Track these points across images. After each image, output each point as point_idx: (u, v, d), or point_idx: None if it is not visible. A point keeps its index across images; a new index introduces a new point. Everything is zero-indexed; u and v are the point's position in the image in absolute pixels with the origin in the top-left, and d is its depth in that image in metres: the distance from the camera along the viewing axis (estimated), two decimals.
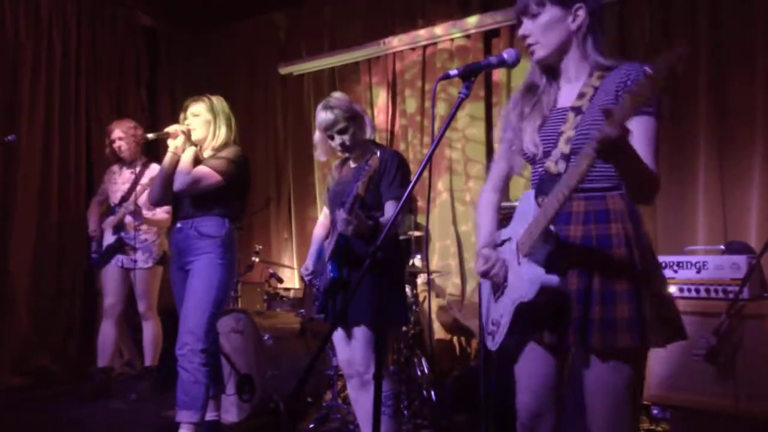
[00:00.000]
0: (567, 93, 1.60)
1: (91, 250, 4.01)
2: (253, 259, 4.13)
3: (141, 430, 3.30)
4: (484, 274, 1.61)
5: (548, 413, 1.62)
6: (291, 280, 5.05)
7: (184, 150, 2.80)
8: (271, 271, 4.22)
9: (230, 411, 3.33)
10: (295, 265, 5.18)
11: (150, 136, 2.85)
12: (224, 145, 2.85)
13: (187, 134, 2.82)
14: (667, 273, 2.98)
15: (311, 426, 3.24)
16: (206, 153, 2.86)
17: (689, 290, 2.89)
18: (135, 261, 3.84)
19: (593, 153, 1.23)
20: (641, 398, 1.55)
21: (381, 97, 4.89)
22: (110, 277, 3.95)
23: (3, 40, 4.44)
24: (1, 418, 3.54)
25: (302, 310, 3.64)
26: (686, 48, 1.09)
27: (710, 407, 2.72)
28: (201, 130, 2.85)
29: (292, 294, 4.23)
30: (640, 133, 1.41)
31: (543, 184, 1.54)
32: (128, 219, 3.85)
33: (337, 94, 2.54)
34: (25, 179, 4.52)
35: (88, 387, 3.88)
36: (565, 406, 1.64)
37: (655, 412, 2.94)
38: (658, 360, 2.89)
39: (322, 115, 2.46)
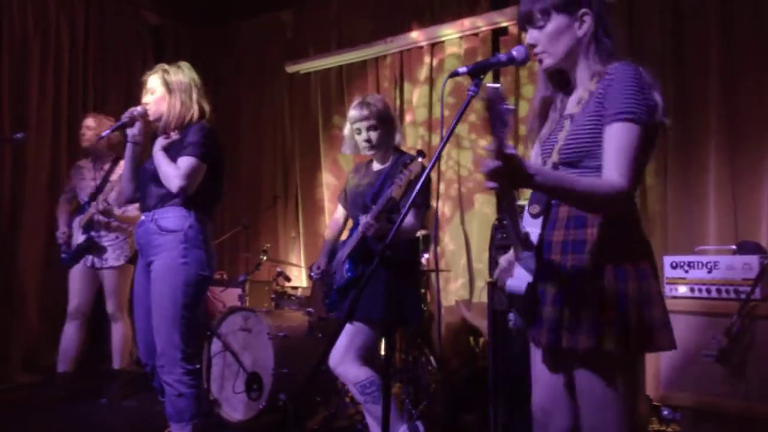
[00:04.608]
0: (572, 100, 1.60)
1: (60, 249, 3.83)
2: (261, 257, 4.12)
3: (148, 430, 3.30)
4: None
5: (559, 413, 1.61)
6: (299, 278, 5.05)
7: (141, 136, 2.53)
8: (278, 269, 4.21)
9: (238, 409, 3.33)
10: (303, 264, 5.17)
11: (105, 133, 2.57)
12: (189, 122, 2.52)
13: (144, 115, 2.53)
14: (678, 273, 2.96)
15: (319, 425, 3.24)
16: (173, 134, 2.55)
17: (700, 290, 2.87)
18: (105, 260, 3.71)
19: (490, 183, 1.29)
20: (634, 402, 1.55)
21: (388, 96, 4.87)
22: (77, 277, 3.80)
23: (11, 38, 4.45)
24: (11, 415, 3.55)
25: (310, 309, 3.63)
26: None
27: (721, 408, 2.70)
28: (158, 108, 2.53)
29: (300, 292, 4.22)
30: (612, 139, 1.40)
31: (533, 193, 1.58)
32: (98, 217, 3.69)
33: (377, 95, 2.63)
34: (34, 177, 4.53)
35: (47, 395, 3.74)
36: None
37: (665, 413, 2.93)
38: (669, 361, 2.87)
39: (357, 108, 2.51)
